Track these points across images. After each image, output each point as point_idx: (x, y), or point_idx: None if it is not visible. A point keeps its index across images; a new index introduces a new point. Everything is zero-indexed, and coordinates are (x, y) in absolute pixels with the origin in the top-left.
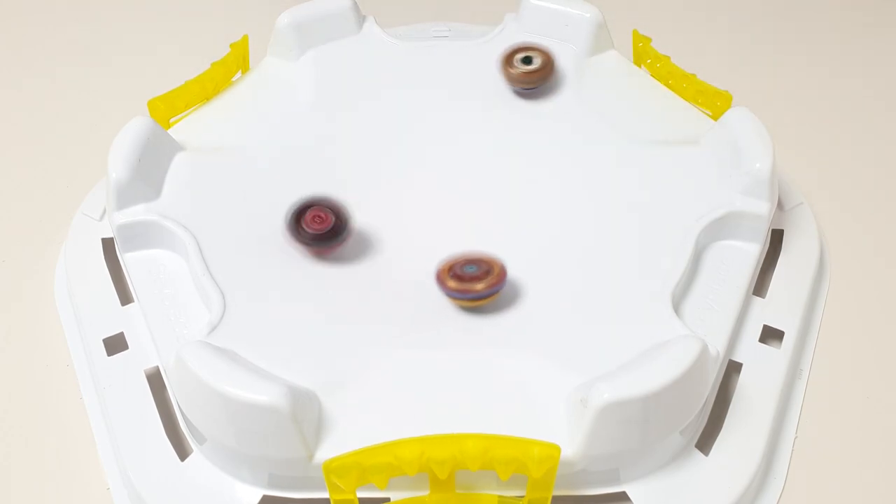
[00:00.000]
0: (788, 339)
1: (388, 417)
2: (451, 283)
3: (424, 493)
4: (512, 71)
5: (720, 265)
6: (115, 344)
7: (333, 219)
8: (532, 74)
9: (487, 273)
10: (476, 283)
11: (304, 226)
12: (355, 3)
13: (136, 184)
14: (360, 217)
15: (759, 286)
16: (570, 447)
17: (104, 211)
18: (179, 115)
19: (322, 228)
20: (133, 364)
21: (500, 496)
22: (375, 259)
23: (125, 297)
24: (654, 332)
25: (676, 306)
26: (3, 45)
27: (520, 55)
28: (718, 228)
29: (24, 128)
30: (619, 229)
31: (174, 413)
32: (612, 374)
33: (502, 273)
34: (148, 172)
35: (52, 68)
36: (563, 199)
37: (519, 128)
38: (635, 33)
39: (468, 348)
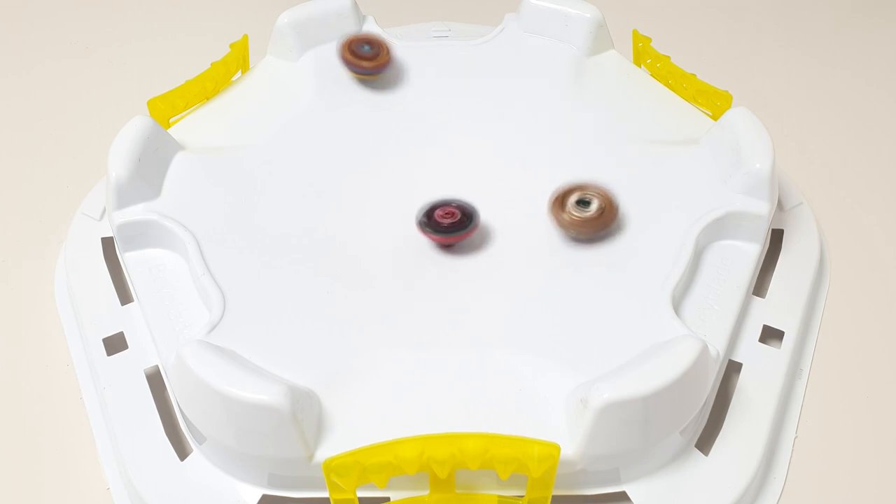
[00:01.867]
0: (788, 339)
1: (388, 417)
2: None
3: (424, 492)
4: (565, 216)
5: (720, 265)
6: (115, 344)
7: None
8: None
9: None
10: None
11: (436, 219)
12: (355, 3)
13: (136, 183)
14: (361, 218)
15: (759, 286)
16: (570, 447)
17: (104, 211)
18: (179, 115)
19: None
20: (133, 364)
21: (500, 496)
22: (376, 259)
23: (125, 297)
24: (654, 332)
25: (676, 306)
26: (3, 44)
27: (574, 197)
28: (718, 228)
29: (24, 128)
30: (618, 229)
31: (174, 413)
32: (612, 374)
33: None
34: (148, 172)
35: (52, 68)
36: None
37: (519, 128)
38: (635, 33)
39: (468, 348)
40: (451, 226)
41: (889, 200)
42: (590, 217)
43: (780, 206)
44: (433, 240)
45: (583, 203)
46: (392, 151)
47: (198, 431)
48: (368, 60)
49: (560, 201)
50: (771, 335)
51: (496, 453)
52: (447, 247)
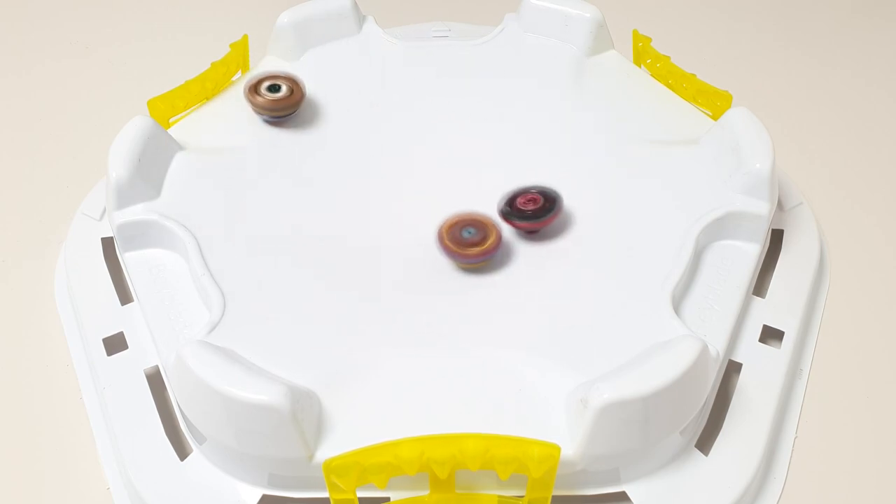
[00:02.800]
0: (788, 339)
1: (388, 417)
2: (449, 244)
3: (424, 492)
4: (259, 99)
5: (720, 265)
6: (115, 344)
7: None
8: (279, 102)
9: (484, 238)
10: (471, 248)
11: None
12: (355, 3)
13: (136, 183)
14: (361, 218)
15: (759, 286)
16: (571, 447)
17: (104, 211)
18: (179, 115)
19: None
20: (133, 364)
21: (500, 496)
22: (376, 260)
23: (125, 297)
24: (654, 332)
25: (676, 306)
26: (4, 44)
27: (266, 83)
28: (718, 228)
29: (24, 128)
30: (618, 229)
31: (174, 413)
32: (612, 374)
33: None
34: (148, 172)
35: (52, 68)
36: (564, 199)
37: (519, 128)
38: (635, 33)
39: (468, 348)
40: (536, 211)
41: (889, 200)
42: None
43: (780, 206)
44: (518, 227)
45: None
46: (392, 151)
47: (198, 431)
48: (475, 246)
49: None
50: (771, 335)
51: (496, 454)
52: (531, 233)
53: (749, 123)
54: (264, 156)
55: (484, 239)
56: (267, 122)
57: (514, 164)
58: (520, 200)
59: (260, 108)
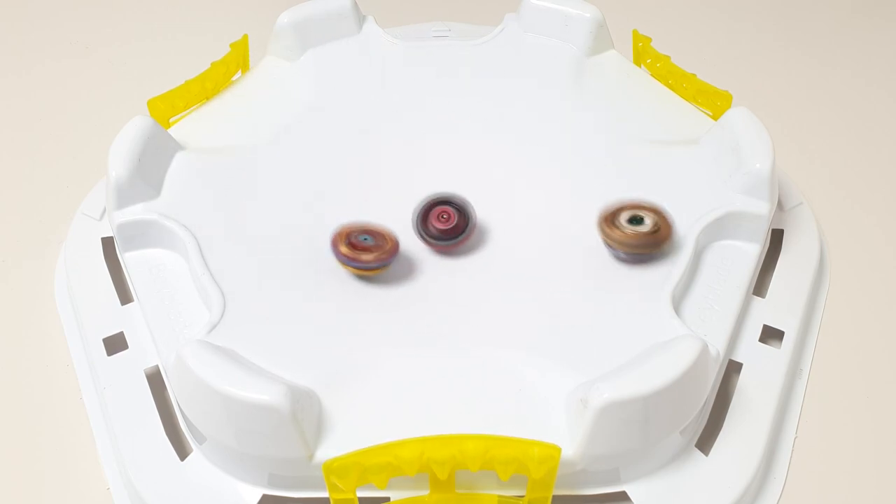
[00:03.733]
0: (788, 339)
1: (388, 417)
2: (344, 250)
3: (424, 492)
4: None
5: (720, 265)
6: (115, 344)
7: (457, 217)
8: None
9: (379, 246)
10: (365, 254)
11: (431, 223)
12: (355, 3)
13: (136, 183)
14: (360, 218)
15: (759, 286)
16: (571, 447)
17: (104, 211)
18: (179, 115)
19: (448, 227)
20: (133, 364)
21: (500, 496)
22: None
23: (125, 297)
24: (654, 332)
25: (676, 306)
26: (4, 44)
27: (626, 214)
28: (718, 228)
29: (24, 128)
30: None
31: (174, 413)
32: (612, 374)
33: (395, 247)
34: (148, 172)
35: (52, 68)
36: (564, 198)
37: (519, 128)
38: (635, 33)
39: (468, 348)
40: (448, 231)
41: (889, 200)
42: (645, 233)
43: (780, 206)
44: (433, 248)
45: (635, 220)
46: (392, 151)
47: (198, 431)
48: (369, 252)
49: (610, 219)
50: (771, 335)
51: (496, 454)
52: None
53: (749, 123)
54: (264, 155)
55: (379, 246)
56: (621, 258)
57: (513, 164)
58: (433, 217)
59: (617, 244)
